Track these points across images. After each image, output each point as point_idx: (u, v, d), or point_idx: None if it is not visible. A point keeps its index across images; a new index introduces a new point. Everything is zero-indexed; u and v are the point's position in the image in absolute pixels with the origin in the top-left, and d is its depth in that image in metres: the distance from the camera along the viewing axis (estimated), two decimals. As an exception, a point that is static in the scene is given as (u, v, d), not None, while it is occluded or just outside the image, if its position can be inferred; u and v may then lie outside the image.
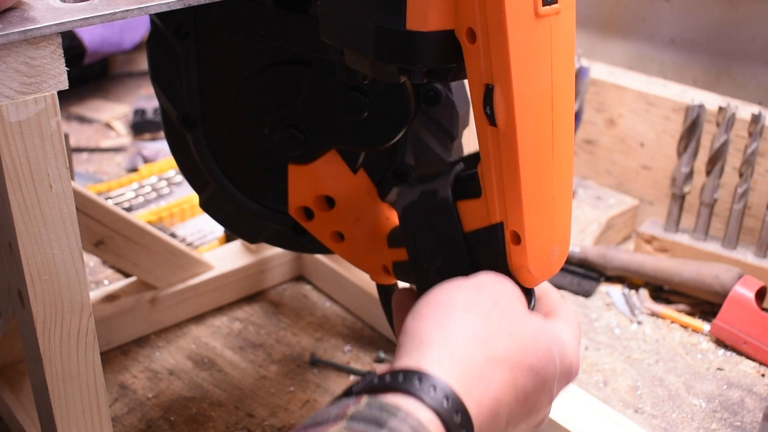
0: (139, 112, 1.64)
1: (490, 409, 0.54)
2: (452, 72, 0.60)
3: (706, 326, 1.09)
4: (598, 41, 1.54)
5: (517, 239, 0.60)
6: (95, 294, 1.06)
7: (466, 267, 0.66)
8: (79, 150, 1.58)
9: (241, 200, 0.83)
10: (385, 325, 1.05)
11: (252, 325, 1.11)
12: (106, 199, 1.35)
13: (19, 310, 0.68)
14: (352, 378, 1.01)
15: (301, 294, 1.17)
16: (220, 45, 0.77)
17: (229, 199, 0.83)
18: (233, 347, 1.06)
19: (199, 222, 1.32)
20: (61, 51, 0.59)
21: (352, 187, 0.76)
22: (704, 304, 1.14)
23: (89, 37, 1.70)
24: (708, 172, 1.16)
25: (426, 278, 0.69)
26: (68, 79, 0.60)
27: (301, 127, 0.75)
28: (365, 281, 1.09)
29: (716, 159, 1.14)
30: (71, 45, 1.69)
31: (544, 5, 0.54)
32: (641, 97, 1.28)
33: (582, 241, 1.23)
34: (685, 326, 1.11)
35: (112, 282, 1.18)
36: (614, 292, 1.17)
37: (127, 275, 1.16)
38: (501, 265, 0.63)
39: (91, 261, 1.22)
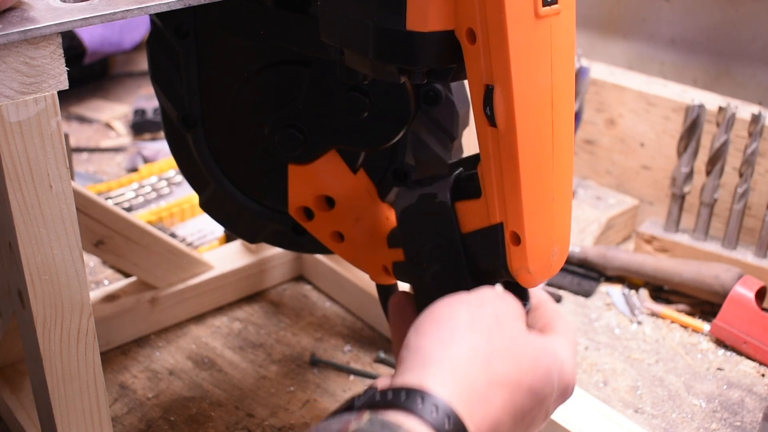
0: (139, 112, 1.64)
1: (490, 430, 0.54)
2: (452, 72, 0.60)
3: (706, 326, 1.09)
4: (598, 41, 1.54)
5: (517, 240, 0.60)
6: (95, 294, 1.06)
7: (463, 271, 0.66)
8: (79, 150, 1.58)
9: (241, 200, 0.83)
10: (385, 325, 1.05)
11: (252, 325, 1.11)
12: (106, 199, 1.35)
13: (19, 310, 0.68)
14: (352, 378, 1.01)
15: (301, 294, 1.17)
16: (220, 45, 0.77)
17: (229, 199, 0.83)
18: (233, 347, 1.06)
19: (199, 222, 1.32)
20: (61, 51, 0.59)
21: (352, 187, 0.76)
22: (704, 304, 1.14)
23: (89, 37, 1.70)
24: (708, 172, 1.16)
25: (423, 282, 0.69)
26: (68, 79, 0.60)
27: (301, 127, 0.75)
28: (365, 281, 1.09)
29: (716, 159, 1.14)
30: (71, 45, 1.69)
31: (544, 5, 0.54)
32: (641, 97, 1.28)
33: (582, 241, 1.23)
34: (685, 326, 1.11)
35: (112, 282, 1.18)
36: (614, 292, 1.17)
37: (127, 275, 1.16)
38: (501, 265, 0.63)
39: (91, 261, 1.22)
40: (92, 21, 0.59)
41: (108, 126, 1.68)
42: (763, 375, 1.02)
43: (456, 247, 0.65)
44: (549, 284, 1.18)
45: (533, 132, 0.57)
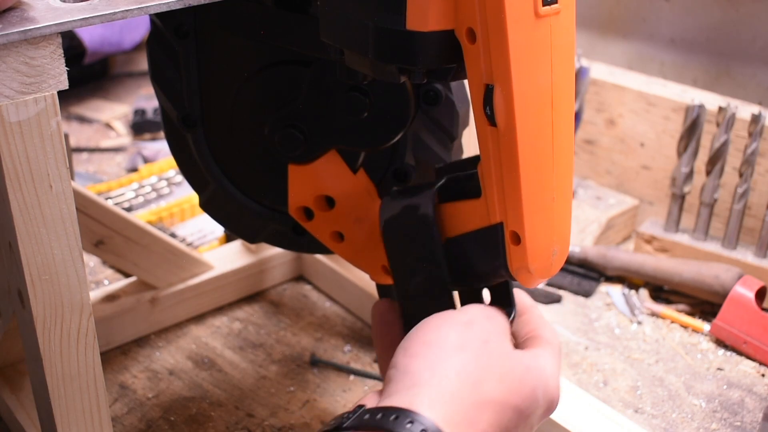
0: (139, 112, 1.64)
1: None
2: (452, 72, 0.60)
3: (706, 326, 1.09)
4: (598, 41, 1.54)
5: (517, 239, 0.60)
6: (95, 294, 1.06)
7: (445, 284, 0.66)
8: (79, 150, 1.58)
9: (241, 200, 0.83)
10: (385, 325, 1.05)
11: (252, 325, 1.11)
12: (106, 199, 1.35)
13: (19, 310, 0.68)
14: (352, 378, 1.01)
15: (301, 294, 1.17)
16: (220, 45, 0.77)
17: (229, 199, 0.83)
18: (233, 347, 1.06)
19: (199, 222, 1.32)
20: (61, 51, 0.59)
21: (352, 187, 0.76)
22: (704, 304, 1.14)
23: (89, 37, 1.70)
24: (708, 172, 1.16)
25: (407, 293, 0.69)
26: (68, 79, 0.60)
27: (301, 127, 0.75)
28: (365, 281, 1.09)
29: (716, 159, 1.14)
30: (71, 45, 1.69)
31: (544, 5, 0.54)
32: (641, 97, 1.28)
33: (582, 241, 1.23)
34: (685, 326, 1.11)
35: (112, 282, 1.18)
36: (614, 292, 1.17)
37: (127, 275, 1.16)
38: (501, 265, 0.63)
39: (91, 261, 1.22)
40: (92, 21, 0.59)
41: (108, 126, 1.68)
42: (763, 375, 1.02)
43: (438, 259, 0.66)
44: (549, 284, 1.18)
45: (533, 132, 0.57)
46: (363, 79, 0.65)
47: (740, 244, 1.17)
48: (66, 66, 0.60)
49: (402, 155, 0.77)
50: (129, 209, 1.36)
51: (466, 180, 0.65)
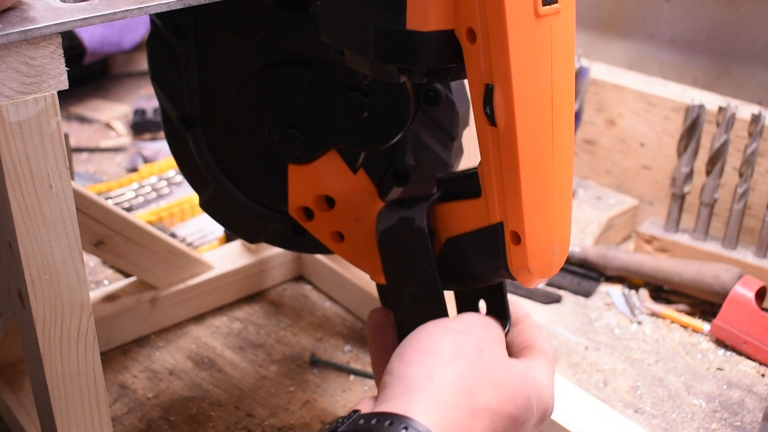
0: (139, 112, 1.64)
1: None
2: (452, 72, 0.60)
3: (706, 326, 1.09)
4: (598, 41, 1.54)
5: (517, 239, 0.60)
6: (95, 294, 1.06)
7: (440, 296, 0.67)
8: (79, 150, 1.58)
9: (241, 200, 0.83)
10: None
11: (252, 325, 1.11)
12: (106, 199, 1.35)
13: (19, 310, 0.68)
14: (352, 378, 1.01)
15: (301, 294, 1.17)
16: (220, 45, 0.77)
17: (229, 199, 0.83)
18: (233, 347, 1.06)
19: (199, 222, 1.32)
20: (61, 51, 0.59)
21: (352, 187, 0.76)
22: (704, 304, 1.14)
23: (89, 37, 1.70)
24: (708, 172, 1.16)
25: (402, 303, 0.70)
26: (68, 79, 0.60)
27: (301, 127, 0.75)
28: (365, 281, 1.09)
29: (716, 159, 1.14)
30: (71, 45, 1.69)
31: (544, 5, 0.54)
32: (641, 97, 1.28)
33: (582, 241, 1.23)
34: (685, 326, 1.11)
35: (112, 282, 1.18)
36: (614, 292, 1.17)
37: (127, 275, 1.16)
38: (501, 265, 0.63)
39: (91, 261, 1.22)
40: (92, 21, 0.59)
41: (108, 126, 1.68)
42: (763, 375, 1.02)
43: (432, 272, 0.66)
44: (549, 284, 1.19)
45: (533, 131, 0.57)
46: (363, 79, 0.65)
47: (740, 244, 1.17)
48: (66, 66, 0.59)
49: (402, 155, 0.77)
50: (129, 209, 1.36)
51: (466, 180, 0.65)
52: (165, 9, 0.62)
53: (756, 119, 1.10)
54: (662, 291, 1.18)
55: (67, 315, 0.65)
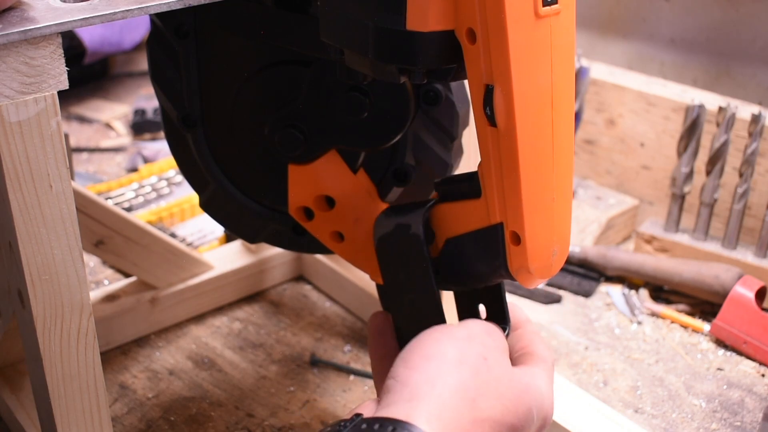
0: (139, 112, 1.64)
1: None
2: (452, 72, 0.60)
3: (706, 326, 1.09)
4: (598, 41, 1.54)
5: (517, 239, 0.60)
6: (95, 294, 1.06)
7: (437, 302, 0.67)
8: (79, 150, 1.58)
9: (241, 200, 0.83)
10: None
11: (252, 325, 1.11)
12: (106, 199, 1.35)
13: (19, 310, 0.68)
14: (352, 378, 1.01)
15: (301, 294, 1.17)
16: (220, 45, 0.77)
17: (229, 199, 0.83)
18: (233, 347, 1.06)
19: (199, 222, 1.32)
20: (61, 51, 0.59)
21: (352, 187, 0.76)
22: (704, 304, 1.14)
23: (89, 37, 1.70)
24: (708, 172, 1.16)
25: (400, 307, 0.70)
26: (68, 79, 0.60)
27: (301, 127, 0.75)
28: (365, 281, 1.09)
29: (716, 159, 1.14)
30: (71, 45, 1.69)
31: (544, 5, 0.54)
32: (641, 97, 1.28)
33: (582, 241, 1.23)
34: (685, 326, 1.11)
35: (112, 282, 1.18)
36: (614, 292, 1.17)
37: (127, 275, 1.16)
38: (500, 265, 0.63)
39: (91, 261, 1.22)
40: (92, 21, 0.59)
41: (108, 126, 1.68)
42: (763, 375, 1.02)
43: (428, 278, 0.66)
44: (549, 284, 1.19)
45: (533, 132, 0.57)
46: (363, 79, 0.65)
47: (740, 244, 1.17)
48: (66, 66, 0.60)
49: (402, 155, 0.77)
50: (129, 209, 1.36)
51: (466, 180, 0.65)
52: (165, 9, 0.62)
53: (756, 119, 1.10)
54: (662, 291, 1.18)
55: (67, 315, 0.65)
